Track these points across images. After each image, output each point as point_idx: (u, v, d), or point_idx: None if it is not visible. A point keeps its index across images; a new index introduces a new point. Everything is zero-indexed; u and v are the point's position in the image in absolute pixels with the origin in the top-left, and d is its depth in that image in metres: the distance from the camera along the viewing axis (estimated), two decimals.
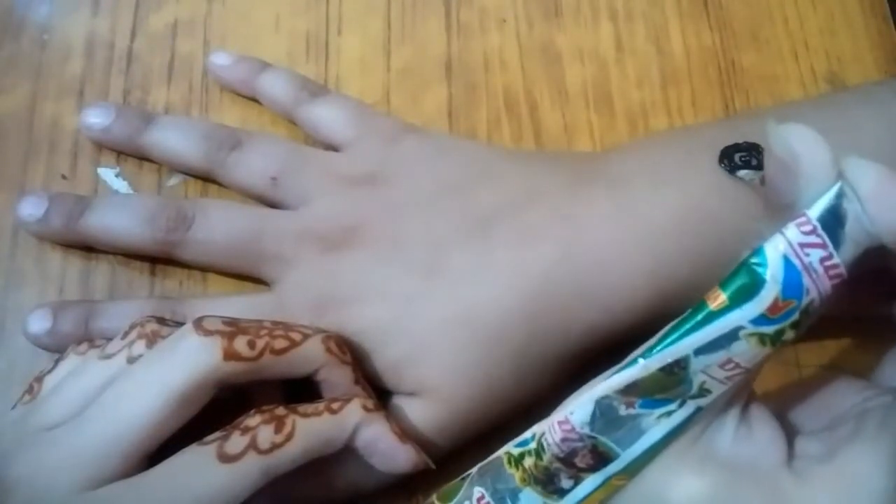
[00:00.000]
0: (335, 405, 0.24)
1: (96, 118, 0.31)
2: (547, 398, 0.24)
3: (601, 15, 0.35)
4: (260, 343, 0.24)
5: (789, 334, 0.19)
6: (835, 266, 0.18)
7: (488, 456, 0.24)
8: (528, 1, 0.35)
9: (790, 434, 0.21)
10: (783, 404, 0.22)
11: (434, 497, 0.24)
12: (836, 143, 0.19)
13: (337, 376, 0.25)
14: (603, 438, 0.20)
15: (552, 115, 0.34)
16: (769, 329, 0.19)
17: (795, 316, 0.18)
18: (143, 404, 0.22)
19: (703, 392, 0.20)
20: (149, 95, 0.33)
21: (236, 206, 0.30)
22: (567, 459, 0.21)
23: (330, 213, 0.29)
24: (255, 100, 0.33)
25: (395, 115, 0.33)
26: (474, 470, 0.23)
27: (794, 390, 0.23)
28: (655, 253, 0.26)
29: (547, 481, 0.21)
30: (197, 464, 0.22)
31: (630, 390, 0.20)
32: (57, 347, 0.28)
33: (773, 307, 0.18)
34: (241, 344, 0.23)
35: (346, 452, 0.24)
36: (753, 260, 0.18)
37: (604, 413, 0.20)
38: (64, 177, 0.32)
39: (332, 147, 0.31)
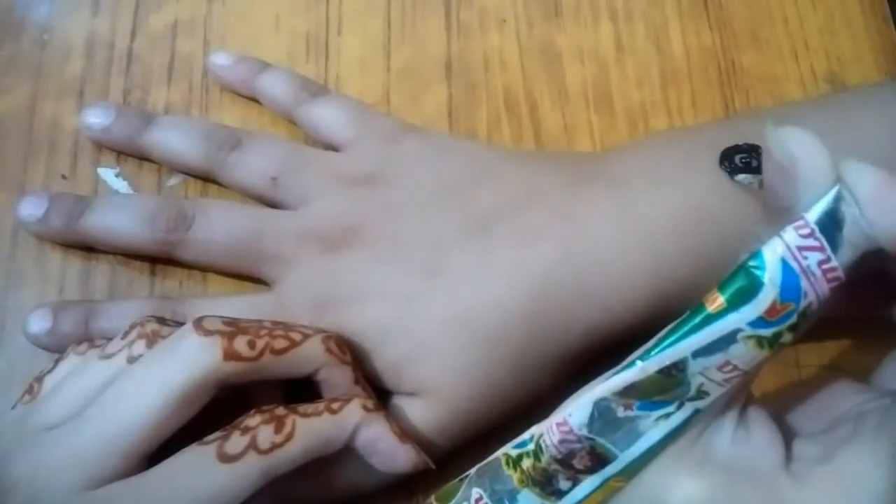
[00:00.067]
0: (335, 405, 0.24)
1: (96, 118, 0.31)
2: (546, 398, 0.24)
3: (601, 15, 0.35)
4: (260, 343, 0.24)
5: (787, 337, 0.19)
6: (833, 269, 0.18)
7: (488, 456, 0.24)
8: (528, 1, 0.35)
9: (788, 436, 0.21)
10: (781, 406, 0.22)
11: (433, 498, 0.24)
12: (836, 143, 0.19)
13: (337, 376, 0.25)
14: (601, 440, 0.20)
15: (552, 115, 0.34)
16: (767, 332, 0.19)
17: (793, 319, 0.18)
18: (143, 404, 0.22)
19: (701, 394, 0.20)
20: (149, 95, 0.33)
21: (236, 206, 0.30)
22: (565, 461, 0.21)
23: (330, 213, 0.29)
24: (255, 100, 0.33)
25: (395, 115, 0.33)
26: (473, 471, 0.23)
27: (793, 392, 0.23)
28: (655, 253, 0.27)
29: (545, 483, 0.21)
30: (197, 464, 0.22)
31: (628, 392, 0.20)
32: (57, 347, 0.28)
33: (771, 310, 0.18)
34: (241, 344, 0.23)
35: (346, 452, 0.24)
36: (751, 263, 0.18)
37: (602, 415, 0.20)
38: (64, 177, 0.32)
39: (332, 147, 0.31)
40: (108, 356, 0.24)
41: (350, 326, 0.27)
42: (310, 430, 0.23)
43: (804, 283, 0.18)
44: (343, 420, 0.24)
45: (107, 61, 0.34)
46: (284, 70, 0.33)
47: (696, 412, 0.20)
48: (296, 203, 0.29)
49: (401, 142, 0.30)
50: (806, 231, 0.18)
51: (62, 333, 0.28)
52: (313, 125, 0.31)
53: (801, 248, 0.18)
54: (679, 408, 0.20)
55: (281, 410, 0.23)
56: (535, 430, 0.21)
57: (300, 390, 0.25)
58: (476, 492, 0.23)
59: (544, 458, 0.21)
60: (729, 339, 0.19)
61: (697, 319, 0.19)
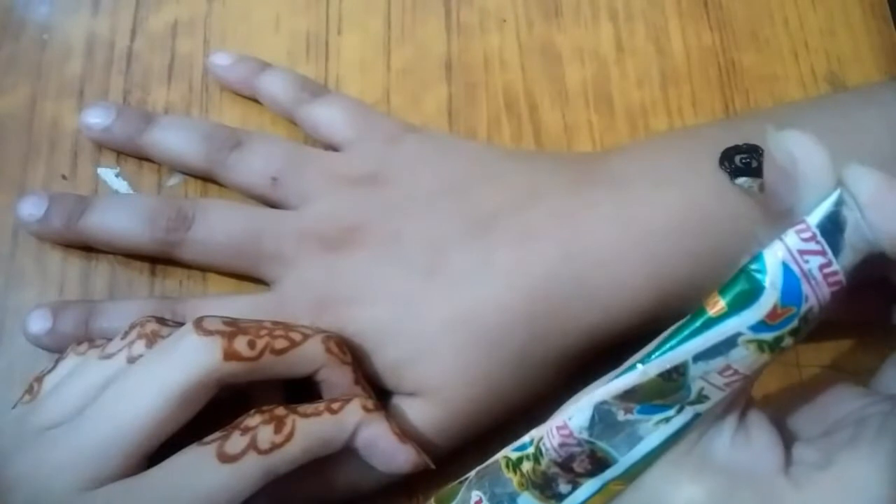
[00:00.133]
0: (335, 405, 0.24)
1: (96, 118, 0.31)
2: (546, 398, 0.24)
3: (601, 15, 0.35)
4: (260, 343, 0.24)
5: (788, 341, 0.19)
6: (834, 273, 0.18)
7: (488, 456, 0.23)
8: (528, 1, 0.35)
9: (788, 440, 0.21)
10: (781, 410, 0.22)
11: (432, 500, 0.24)
12: (836, 144, 0.19)
13: (337, 376, 0.25)
14: (601, 444, 0.20)
15: (552, 115, 0.34)
16: (768, 336, 0.18)
17: (794, 323, 0.18)
18: (143, 404, 0.22)
19: (701, 398, 0.20)
20: (149, 95, 0.33)
21: (236, 205, 0.30)
22: (565, 464, 0.21)
23: (330, 213, 0.29)
24: (255, 100, 0.33)
25: (395, 115, 0.33)
26: (472, 473, 0.23)
27: (793, 395, 0.23)
28: (656, 254, 0.26)
29: (545, 486, 0.21)
30: (197, 464, 0.22)
31: (629, 396, 0.20)
32: (57, 347, 0.28)
33: (772, 314, 0.18)
34: (241, 344, 0.23)
35: (346, 453, 0.24)
36: (752, 266, 0.18)
37: (602, 418, 0.20)
38: (64, 177, 0.32)
39: (332, 147, 0.31)
40: (108, 356, 0.24)
41: (350, 326, 0.27)
42: (310, 430, 0.23)
43: (805, 287, 0.18)
44: (343, 420, 0.24)
45: (107, 61, 0.34)
46: (284, 70, 0.33)
47: (697, 416, 0.20)
48: (296, 203, 0.29)
49: (401, 142, 0.30)
50: (807, 235, 0.18)
51: (62, 333, 0.28)
52: (313, 125, 0.31)
53: (802, 252, 0.18)
54: (679, 412, 0.20)
55: (281, 410, 0.23)
56: (534, 433, 0.21)
57: (300, 390, 0.25)
58: (476, 494, 0.23)
59: (544, 462, 0.21)
60: (730, 343, 0.19)
61: (698, 323, 0.19)
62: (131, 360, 0.24)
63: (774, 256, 0.18)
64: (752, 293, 0.18)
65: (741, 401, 0.21)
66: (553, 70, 0.34)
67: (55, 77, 0.33)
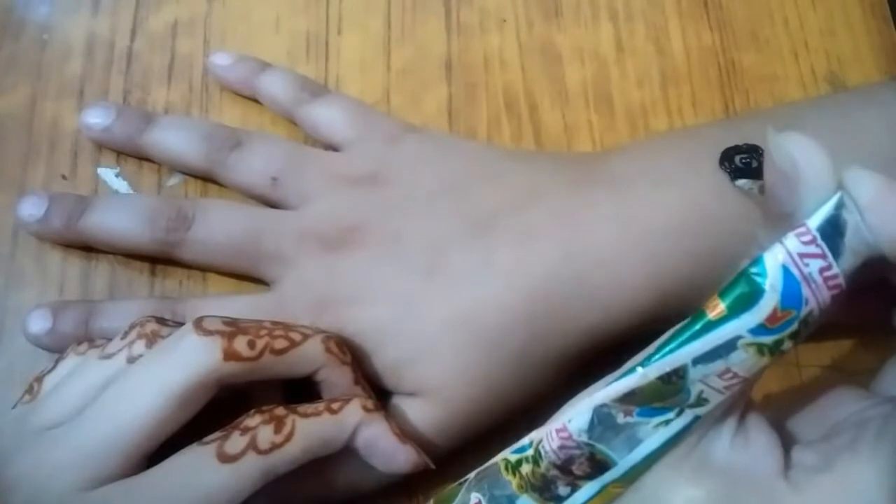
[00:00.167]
0: (335, 405, 0.24)
1: (96, 118, 0.31)
2: (546, 398, 0.24)
3: (601, 15, 0.35)
4: (260, 343, 0.24)
5: (788, 344, 0.19)
6: (834, 276, 0.18)
7: (488, 457, 0.23)
8: (528, 1, 0.35)
9: (787, 443, 0.21)
10: (781, 412, 0.22)
11: (432, 501, 0.24)
12: (836, 144, 0.19)
13: (337, 376, 0.25)
14: (600, 446, 0.20)
15: (552, 115, 0.34)
16: (768, 339, 0.18)
17: (794, 326, 0.18)
18: (143, 404, 0.22)
19: (701, 401, 0.20)
20: (149, 95, 0.33)
21: (236, 205, 0.30)
22: (564, 467, 0.21)
23: (330, 213, 0.29)
24: (255, 100, 0.33)
25: (395, 115, 0.33)
26: (472, 475, 0.23)
27: (792, 398, 0.23)
28: (656, 254, 0.26)
29: (544, 488, 0.21)
30: (196, 464, 0.22)
31: (628, 399, 0.20)
32: (57, 347, 0.28)
33: (772, 317, 0.18)
34: (240, 344, 0.23)
35: (345, 453, 0.24)
36: (752, 269, 0.18)
37: (602, 421, 0.20)
38: (64, 177, 0.32)
39: (332, 147, 0.31)
40: (108, 356, 0.24)
41: (350, 326, 0.27)
42: (309, 430, 0.23)
43: (805, 291, 0.18)
44: (343, 420, 0.24)
45: (107, 61, 0.34)
46: (284, 70, 0.33)
47: (696, 419, 0.20)
48: (296, 203, 0.29)
49: (401, 142, 0.30)
50: (807, 238, 0.18)
51: (62, 333, 0.28)
52: (313, 125, 0.31)
53: (802, 255, 0.18)
54: (679, 414, 0.20)
55: (281, 410, 0.23)
56: (534, 435, 0.21)
57: (300, 390, 0.25)
58: (475, 496, 0.23)
59: (543, 464, 0.21)
60: (729, 346, 0.19)
61: (698, 326, 0.19)
62: (131, 360, 0.24)
63: (774, 259, 0.18)
64: (752, 296, 0.18)
65: (740, 403, 0.21)
66: (553, 70, 0.34)
67: (55, 77, 0.33)
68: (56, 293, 0.30)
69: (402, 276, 0.27)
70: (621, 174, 0.28)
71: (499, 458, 0.23)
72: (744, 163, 0.26)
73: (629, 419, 0.20)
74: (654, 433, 0.20)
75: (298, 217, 0.29)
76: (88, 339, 0.27)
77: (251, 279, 0.29)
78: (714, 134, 0.28)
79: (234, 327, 0.24)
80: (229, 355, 0.23)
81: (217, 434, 0.23)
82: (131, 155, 0.32)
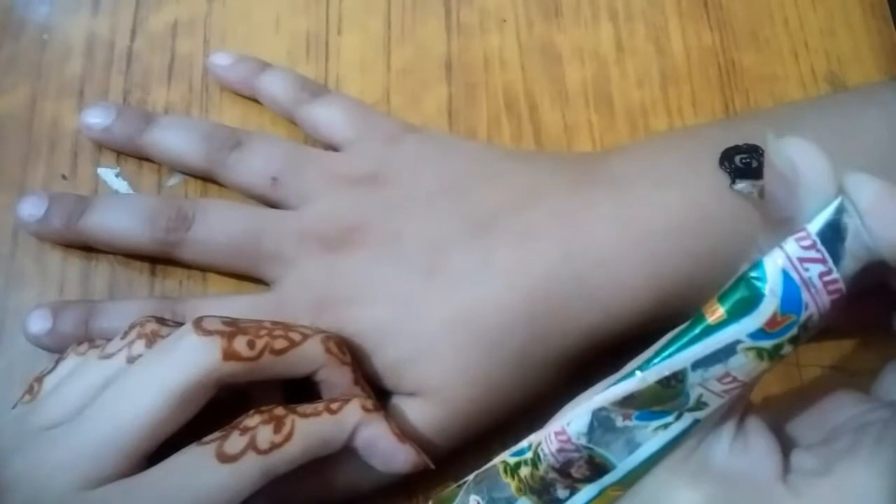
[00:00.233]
0: (334, 405, 0.24)
1: (96, 118, 0.31)
2: (546, 398, 0.24)
3: (601, 15, 0.35)
4: (259, 343, 0.24)
5: (787, 349, 0.19)
6: (834, 281, 0.18)
7: (488, 457, 0.23)
8: (528, 1, 0.35)
9: (786, 446, 0.21)
10: (780, 415, 0.22)
11: (431, 502, 0.24)
12: (836, 144, 0.19)
13: (336, 377, 0.25)
14: (599, 449, 0.20)
15: (552, 115, 0.34)
16: (767, 343, 0.18)
17: (794, 331, 0.18)
18: (143, 404, 0.22)
19: (700, 405, 0.20)
20: (149, 95, 0.33)
21: (236, 205, 0.30)
22: (563, 470, 0.21)
23: (330, 213, 0.29)
24: (255, 100, 0.33)
25: (395, 115, 0.33)
26: (471, 477, 0.23)
27: (792, 401, 0.23)
28: (656, 254, 0.26)
29: (542, 491, 0.21)
30: (196, 464, 0.22)
31: (627, 402, 0.20)
32: (57, 347, 0.28)
33: (772, 322, 0.18)
34: (240, 344, 0.23)
35: (345, 453, 0.24)
36: (752, 274, 0.18)
37: (601, 424, 0.20)
38: (64, 177, 0.32)
39: (332, 147, 0.31)
40: (108, 356, 0.24)
41: (350, 326, 0.27)
42: (309, 430, 0.23)
43: (805, 295, 0.18)
44: (342, 420, 0.24)
45: (107, 61, 0.34)
46: (284, 70, 0.33)
47: (695, 422, 0.20)
48: (296, 203, 0.29)
49: (401, 142, 0.30)
50: (807, 242, 0.18)
51: (62, 333, 0.28)
52: (313, 125, 0.31)
53: (802, 260, 0.18)
54: (678, 418, 0.20)
55: (280, 410, 0.23)
56: (533, 438, 0.21)
57: (300, 390, 0.25)
58: (474, 499, 0.23)
59: (542, 467, 0.21)
60: (729, 350, 0.19)
61: (697, 330, 0.19)
62: (131, 360, 0.24)
63: (774, 264, 0.18)
64: (752, 301, 0.18)
65: (740, 407, 0.21)
66: (553, 70, 0.34)
67: (55, 77, 0.33)
68: (56, 293, 0.30)
69: (402, 276, 0.27)
70: (621, 174, 0.28)
71: (497, 460, 0.23)
72: (744, 163, 0.26)
73: (628, 423, 0.20)
74: (653, 437, 0.20)
75: (298, 217, 0.29)
76: (88, 339, 0.27)
77: (251, 279, 0.29)
78: (714, 134, 0.28)
79: (233, 327, 0.24)
80: (229, 355, 0.23)
81: (217, 434, 0.23)
82: (131, 155, 0.32)
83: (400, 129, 0.31)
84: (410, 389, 0.26)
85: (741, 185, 0.26)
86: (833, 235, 0.18)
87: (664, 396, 0.19)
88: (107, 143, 0.32)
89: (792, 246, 0.18)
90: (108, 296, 0.30)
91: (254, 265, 0.29)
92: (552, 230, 0.27)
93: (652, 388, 0.19)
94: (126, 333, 0.25)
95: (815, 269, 0.18)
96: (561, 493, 0.21)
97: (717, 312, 0.19)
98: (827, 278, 0.18)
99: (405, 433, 0.25)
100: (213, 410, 0.23)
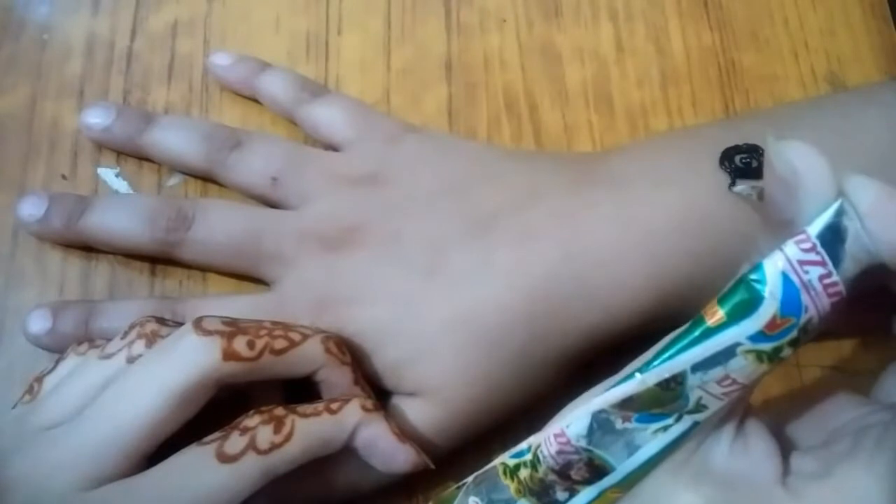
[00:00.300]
0: (334, 405, 0.24)
1: (96, 118, 0.31)
2: (547, 398, 0.24)
3: (601, 15, 0.35)
4: (259, 343, 0.24)
5: (787, 352, 0.19)
6: (834, 284, 0.18)
7: (488, 457, 0.23)
8: (528, 1, 0.35)
9: (786, 449, 0.21)
10: (780, 418, 0.22)
11: (431, 503, 0.24)
12: (836, 144, 0.19)
13: (336, 377, 0.25)
14: (599, 452, 0.20)
15: (552, 115, 0.34)
16: (767, 346, 0.18)
17: (794, 333, 0.18)
18: (142, 404, 0.22)
19: (699, 407, 0.19)
20: (149, 95, 0.33)
21: (236, 205, 0.30)
22: (562, 472, 0.21)
23: (330, 213, 0.29)
24: (255, 100, 0.33)
25: (395, 115, 0.33)
26: (470, 479, 0.23)
27: (792, 403, 0.23)
28: (655, 254, 0.26)
29: (542, 493, 0.21)
30: (196, 464, 0.22)
31: (627, 404, 0.20)
32: (57, 347, 0.28)
33: (771, 324, 0.18)
34: (240, 344, 0.23)
35: (345, 453, 0.24)
36: (752, 276, 0.18)
37: (600, 426, 0.20)
38: (64, 177, 0.32)
39: (332, 147, 0.31)
40: (108, 356, 0.24)
41: (350, 326, 0.27)
42: (309, 430, 0.23)
43: (805, 298, 0.18)
44: (342, 420, 0.24)
45: (107, 61, 0.34)
46: (284, 70, 0.33)
47: (695, 425, 0.20)
48: (296, 203, 0.29)
49: (401, 142, 0.30)
50: (807, 245, 0.18)
51: (62, 333, 0.28)
52: (313, 125, 0.31)
53: (802, 263, 0.18)
54: (677, 420, 0.20)
55: (280, 411, 0.23)
56: (532, 439, 0.21)
57: (300, 390, 0.25)
58: (473, 500, 0.23)
59: (541, 469, 0.21)
60: (728, 353, 0.19)
61: (697, 333, 0.19)
62: (131, 360, 0.24)
63: (774, 267, 0.18)
64: (752, 303, 0.18)
65: (739, 409, 0.21)
66: (553, 70, 0.34)
67: (55, 77, 0.33)
68: (56, 293, 0.30)
69: (402, 276, 0.27)
70: (621, 174, 0.28)
71: (497, 461, 0.23)
72: (744, 163, 0.26)
73: (628, 425, 0.20)
74: (652, 439, 0.20)
75: (298, 217, 0.29)
76: (88, 339, 0.27)
77: (251, 279, 0.29)
78: (714, 134, 0.28)
79: (233, 327, 0.24)
80: (228, 355, 0.23)
81: (216, 434, 0.23)
82: (131, 155, 0.32)
83: (400, 129, 0.31)
84: (410, 389, 0.26)
85: (740, 187, 0.26)
86: (833, 238, 0.18)
87: (664, 399, 0.19)
88: (107, 143, 0.32)
89: (792, 248, 0.18)
90: (108, 296, 0.30)
91: (254, 265, 0.29)
92: (552, 230, 0.27)
93: (651, 391, 0.19)
94: (126, 333, 0.25)
95: (814, 272, 0.18)
96: (560, 495, 0.21)
97: (716, 315, 0.19)
98: (827, 281, 0.18)
99: (405, 433, 0.25)
100: (213, 410, 0.23)
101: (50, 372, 0.26)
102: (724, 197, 0.26)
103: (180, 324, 0.25)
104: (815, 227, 0.18)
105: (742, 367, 0.19)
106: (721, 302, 0.19)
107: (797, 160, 0.18)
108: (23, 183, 0.31)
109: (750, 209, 0.26)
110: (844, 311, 0.18)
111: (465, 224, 0.28)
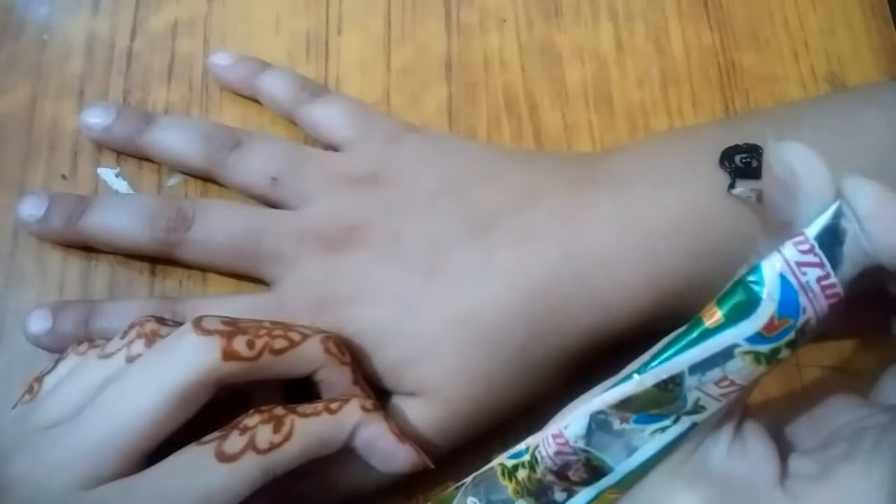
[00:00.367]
0: (334, 405, 0.24)
1: (96, 118, 0.31)
2: (547, 398, 0.24)
3: (601, 15, 0.35)
4: (259, 343, 0.24)
5: (785, 353, 0.19)
6: (832, 286, 0.18)
7: (488, 457, 0.23)
8: (528, 1, 0.35)
9: (784, 450, 0.21)
10: (778, 418, 0.22)
11: (430, 503, 0.24)
12: (836, 144, 0.19)
13: (336, 377, 0.25)
14: (597, 452, 0.20)
15: (552, 115, 0.34)
16: (765, 348, 0.18)
17: (791, 335, 0.18)
18: (142, 403, 0.22)
19: (697, 408, 0.19)
20: (149, 95, 0.33)
21: (236, 205, 0.30)
22: (560, 472, 0.21)
23: (330, 213, 0.29)
24: (255, 100, 0.33)
25: (395, 115, 0.33)
26: (469, 479, 0.23)
27: (790, 404, 0.23)
28: (655, 254, 0.26)
29: (540, 494, 0.21)
30: (195, 463, 0.22)
31: (625, 405, 0.20)
32: (57, 347, 0.28)
33: (769, 326, 0.18)
34: (240, 344, 0.23)
35: (345, 453, 0.24)
36: (750, 278, 0.18)
37: (598, 427, 0.20)
38: (64, 177, 0.32)
39: (332, 147, 0.31)
40: (108, 356, 0.24)
41: (350, 326, 0.27)
42: (308, 429, 0.23)
43: (803, 300, 0.18)
44: (342, 420, 0.24)
45: (107, 61, 0.34)
46: (284, 70, 0.33)
47: (693, 426, 0.20)
48: (296, 203, 0.29)
49: (401, 142, 0.30)
50: (805, 247, 0.18)
51: (62, 333, 0.28)
52: (313, 125, 0.31)
53: (800, 264, 0.18)
54: (675, 422, 0.20)
55: (279, 410, 0.23)
56: (530, 440, 0.21)
57: (300, 390, 0.25)
58: (472, 501, 0.23)
59: (539, 470, 0.21)
60: (726, 354, 0.19)
61: (695, 334, 0.19)
62: (130, 360, 0.24)
63: (772, 268, 0.18)
64: (749, 305, 0.18)
65: (738, 410, 0.21)
66: (553, 70, 0.34)
67: (55, 77, 0.33)
68: (56, 293, 0.30)
69: (402, 276, 0.27)
70: (621, 174, 0.28)
71: (495, 462, 0.23)
72: (744, 162, 0.26)
73: (626, 426, 0.20)
74: (650, 440, 0.20)
75: (298, 217, 0.29)
76: (88, 339, 0.27)
77: (251, 279, 0.29)
78: (714, 134, 0.28)
79: (233, 327, 0.24)
80: (228, 355, 0.23)
81: (216, 434, 0.23)
82: (131, 155, 0.32)
83: (400, 129, 0.31)
84: (410, 389, 0.26)
85: (739, 188, 0.26)
86: (831, 240, 0.18)
87: (662, 400, 0.19)
88: (107, 143, 0.32)
89: (790, 250, 0.18)
90: (108, 296, 0.30)
91: (254, 265, 0.29)
92: (552, 230, 0.27)
93: (649, 392, 0.19)
94: (126, 333, 0.25)
95: (812, 274, 0.18)
96: (558, 495, 0.21)
97: (714, 316, 0.19)
98: (825, 283, 0.18)
99: (405, 433, 0.25)
100: (213, 410, 0.23)
101: (50, 372, 0.26)
102: (724, 197, 0.26)
103: (180, 324, 0.25)
104: (814, 229, 0.18)
105: (740, 369, 0.19)
106: (719, 303, 0.19)
107: (796, 162, 0.18)
108: (23, 183, 0.31)
109: (749, 209, 0.26)
110: (842, 312, 0.18)
111: (465, 224, 0.28)
